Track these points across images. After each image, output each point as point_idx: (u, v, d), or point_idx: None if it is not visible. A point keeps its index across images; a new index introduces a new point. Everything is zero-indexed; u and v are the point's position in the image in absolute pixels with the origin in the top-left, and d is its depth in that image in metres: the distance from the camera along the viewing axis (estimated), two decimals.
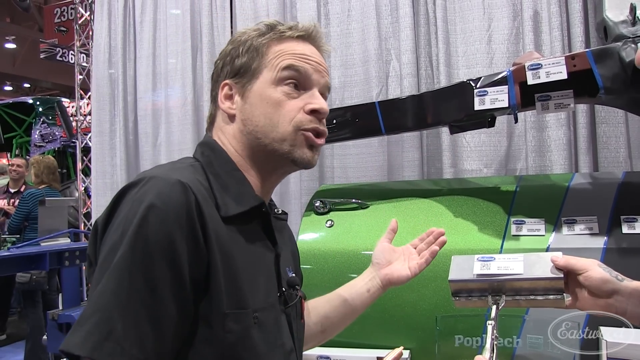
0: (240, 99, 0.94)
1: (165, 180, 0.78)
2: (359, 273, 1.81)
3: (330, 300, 1.24)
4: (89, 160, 4.05)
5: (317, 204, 1.96)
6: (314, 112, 0.92)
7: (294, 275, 1.02)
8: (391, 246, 1.29)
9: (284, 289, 0.95)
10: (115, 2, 3.60)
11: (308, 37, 0.96)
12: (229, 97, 0.95)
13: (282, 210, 1.08)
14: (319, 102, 0.93)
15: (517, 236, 1.67)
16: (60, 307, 2.73)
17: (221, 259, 0.80)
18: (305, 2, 2.91)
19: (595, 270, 1.01)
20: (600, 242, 1.57)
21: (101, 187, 3.56)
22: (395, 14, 2.71)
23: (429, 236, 1.26)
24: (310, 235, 1.93)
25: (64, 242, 3.29)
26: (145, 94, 3.46)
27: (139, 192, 0.78)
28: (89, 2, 4.13)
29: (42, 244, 2.46)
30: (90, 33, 4.11)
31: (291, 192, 2.92)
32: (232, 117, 0.95)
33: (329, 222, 1.91)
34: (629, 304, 0.98)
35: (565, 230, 1.63)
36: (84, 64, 4.82)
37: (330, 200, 1.96)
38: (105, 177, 3.57)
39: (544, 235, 1.65)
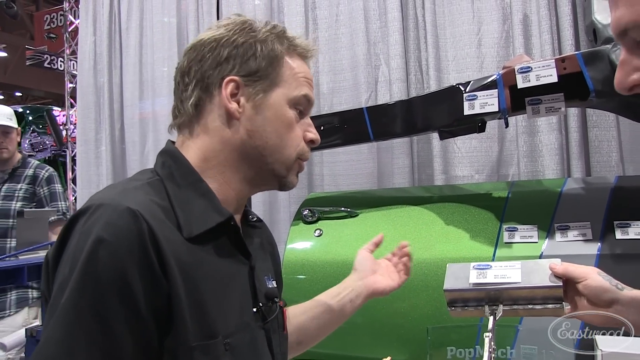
0: (249, 105, 0.87)
1: (114, 208, 0.73)
2: None
3: (308, 311, 1.18)
4: None
5: (305, 213, 1.92)
6: (310, 142, 0.95)
7: (273, 285, 0.97)
8: (372, 256, 1.29)
9: (261, 304, 0.90)
10: (101, 8, 3.57)
11: (311, 57, 0.96)
12: (234, 96, 0.87)
13: (257, 217, 1.03)
14: (316, 134, 0.95)
15: (509, 243, 1.64)
16: (39, 322, 2.65)
17: (184, 287, 0.75)
18: (292, 7, 2.88)
19: (594, 278, 0.99)
20: (594, 248, 1.54)
21: (87, 196, 3.51)
22: (384, 19, 2.68)
23: (401, 249, 1.29)
24: (299, 244, 1.89)
25: (44, 254, 3.13)
26: (132, 101, 3.43)
27: (87, 222, 0.73)
28: (79, 9, 4.09)
29: (21, 257, 2.37)
30: None
31: (280, 201, 2.88)
32: (234, 121, 0.87)
33: (318, 232, 1.87)
34: (630, 313, 0.96)
35: (558, 236, 1.60)
36: (74, 72, 4.75)
37: (319, 209, 1.92)
38: (91, 187, 3.53)
39: (537, 242, 1.61)
